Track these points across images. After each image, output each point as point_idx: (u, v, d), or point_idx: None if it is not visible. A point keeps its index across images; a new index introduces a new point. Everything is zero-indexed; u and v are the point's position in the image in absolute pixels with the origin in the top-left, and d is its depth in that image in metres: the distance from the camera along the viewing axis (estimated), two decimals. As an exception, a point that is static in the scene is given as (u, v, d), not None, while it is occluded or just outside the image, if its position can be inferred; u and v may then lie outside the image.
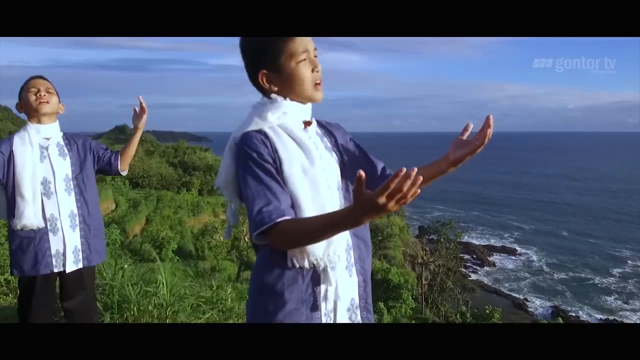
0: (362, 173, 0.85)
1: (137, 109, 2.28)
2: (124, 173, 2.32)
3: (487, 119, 1.18)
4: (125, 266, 3.58)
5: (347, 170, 1.21)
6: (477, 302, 23.04)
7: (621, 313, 24.40)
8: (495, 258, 35.65)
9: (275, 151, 1.08)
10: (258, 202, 1.03)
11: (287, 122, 1.13)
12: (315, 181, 1.08)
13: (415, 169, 0.83)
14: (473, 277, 29.90)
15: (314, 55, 1.16)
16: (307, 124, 1.19)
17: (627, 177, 79.13)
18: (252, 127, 1.11)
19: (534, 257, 34.95)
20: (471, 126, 1.21)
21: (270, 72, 1.13)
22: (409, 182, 0.83)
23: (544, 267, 32.31)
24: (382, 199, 0.85)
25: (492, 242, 40.52)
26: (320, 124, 1.27)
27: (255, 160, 1.06)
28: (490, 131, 1.17)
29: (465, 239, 35.75)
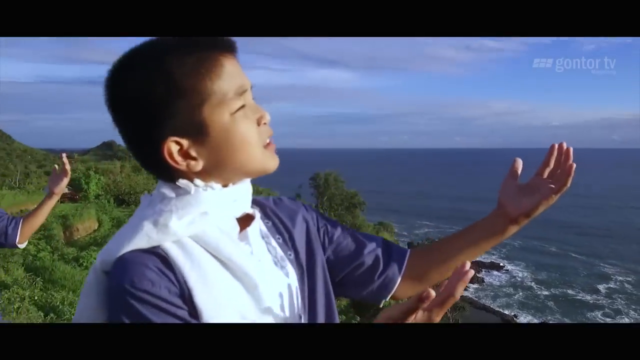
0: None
1: (57, 169, 1.80)
2: (22, 246, 1.82)
3: (566, 150, 0.78)
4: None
5: (315, 277, 0.77)
6: (467, 320, 22.94)
7: (609, 329, 24.52)
8: (484, 274, 35.77)
9: (187, 289, 0.61)
10: None
11: (209, 230, 0.65)
12: None
13: (468, 264, 0.60)
14: (463, 293, 29.86)
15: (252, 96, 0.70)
16: (245, 221, 0.72)
17: (611, 194, 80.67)
18: (140, 244, 0.63)
19: (522, 274, 35.15)
20: (521, 163, 0.82)
21: (185, 139, 0.64)
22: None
23: (532, 283, 32.45)
24: (438, 318, 0.60)
25: (481, 258, 40.71)
26: (264, 212, 0.79)
27: (154, 307, 0.59)
28: (574, 167, 0.76)
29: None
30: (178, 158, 0.65)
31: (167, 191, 0.67)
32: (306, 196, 52.23)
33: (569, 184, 0.77)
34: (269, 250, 0.74)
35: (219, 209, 0.67)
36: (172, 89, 0.63)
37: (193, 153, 0.66)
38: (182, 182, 0.66)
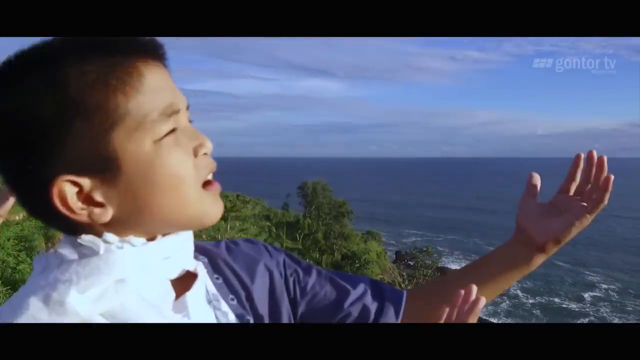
0: None
1: (2, 189, 1.66)
2: None
3: (599, 160, 0.64)
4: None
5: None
6: (455, 328, 23.08)
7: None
8: (471, 283, 35.99)
9: None
10: None
11: (129, 303, 0.48)
12: None
13: (475, 290, 0.50)
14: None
15: (189, 119, 0.53)
16: (185, 282, 0.55)
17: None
18: None
19: (509, 282, 35.44)
20: (539, 178, 0.69)
21: (86, 178, 0.47)
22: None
23: (518, 291, 32.77)
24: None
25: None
26: (213, 264, 0.62)
27: None
28: (612, 179, 0.61)
29: (442, 263, 36.04)
30: (75, 204, 0.46)
31: (68, 251, 0.47)
32: (294, 205, 52.08)
33: (606, 201, 0.62)
34: (217, 319, 0.56)
35: (141, 272, 0.48)
36: (68, 106, 0.45)
37: (98, 197, 0.47)
38: (85, 238, 0.47)
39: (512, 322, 27.15)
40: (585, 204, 0.64)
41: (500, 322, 26.74)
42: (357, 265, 28.62)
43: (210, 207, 0.51)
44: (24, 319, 0.44)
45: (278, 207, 53.05)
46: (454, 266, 42.20)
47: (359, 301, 0.67)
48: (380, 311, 0.67)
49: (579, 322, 26.79)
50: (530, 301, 30.60)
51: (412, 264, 29.93)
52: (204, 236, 31.81)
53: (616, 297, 30.74)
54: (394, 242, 48.75)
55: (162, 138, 0.47)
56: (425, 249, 29.55)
